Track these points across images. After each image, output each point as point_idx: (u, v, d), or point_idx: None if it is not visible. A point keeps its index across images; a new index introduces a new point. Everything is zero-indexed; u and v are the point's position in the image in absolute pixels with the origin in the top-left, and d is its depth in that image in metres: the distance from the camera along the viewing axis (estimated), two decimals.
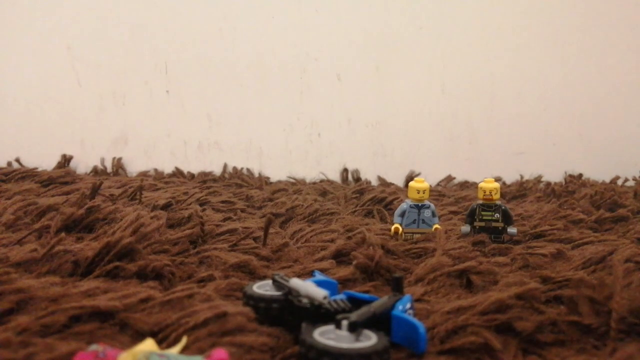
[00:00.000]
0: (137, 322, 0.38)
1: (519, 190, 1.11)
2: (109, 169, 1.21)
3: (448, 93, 1.28)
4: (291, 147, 1.26)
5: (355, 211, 0.88)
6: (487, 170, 1.26)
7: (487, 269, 0.53)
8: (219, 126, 1.25)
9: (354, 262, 0.54)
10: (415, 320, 0.37)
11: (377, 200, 0.91)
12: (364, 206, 0.89)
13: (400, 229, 0.68)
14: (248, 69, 1.24)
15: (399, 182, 1.24)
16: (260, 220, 0.77)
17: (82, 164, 1.22)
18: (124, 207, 0.72)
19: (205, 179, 1.15)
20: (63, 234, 0.53)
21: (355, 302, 0.39)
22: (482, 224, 0.68)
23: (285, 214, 0.82)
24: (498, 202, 0.68)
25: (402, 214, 0.68)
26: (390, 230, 0.69)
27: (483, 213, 0.68)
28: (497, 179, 1.22)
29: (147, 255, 0.53)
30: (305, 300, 0.38)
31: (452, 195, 1.05)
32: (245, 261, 0.54)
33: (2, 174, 1.00)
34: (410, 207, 0.68)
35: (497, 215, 0.67)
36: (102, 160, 1.22)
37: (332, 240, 0.66)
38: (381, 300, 0.39)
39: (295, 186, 1.11)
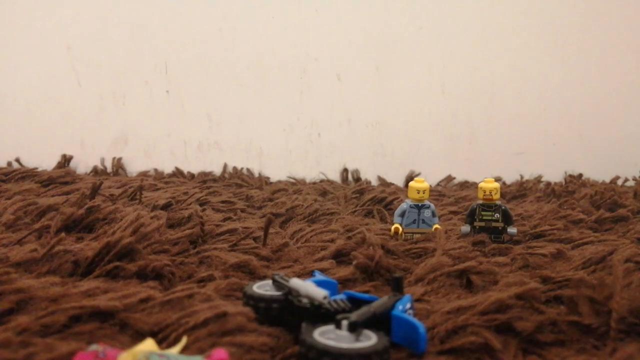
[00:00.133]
0: (137, 322, 0.38)
1: (519, 190, 1.11)
2: (109, 169, 1.21)
3: (448, 93, 1.28)
4: (291, 147, 1.26)
5: (355, 211, 0.88)
6: (487, 170, 1.26)
7: (487, 269, 0.53)
8: (219, 126, 1.25)
9: (354, 262, 0.54)
10: (415, 320, 0.37)
11: (377, 200, 0.91)
12: (364, 206, 0.89)
13: (400, 229, 0.68)
14: (248, 69, 1.24)
15: (399, 182, 1.24)
16: (260, 220, 0.77)
17: (82, 164, 1.22)
18: (124, 207, 0.72)
19: (205, 179, 1.15)
20: (63, 234, 0.53)
21: (355, 302, 0.39)
22: (482, 224, 0.68)
23: (285, 214, 0.82)
24: (498, 202, 0.68)
25: (402, 214, 0.68)
26: (390, 230, 0.69)
27: (483, 213, 0.68)
28: (497, 179, 1.22)
29: (147, 255, 0.53)
30: (305, 300, 0.38)
31: (452, 195, 1.05)
32: (245, 261, 0.54)
33: (2, 174, 1.00)
34: (410, 207, 0.68)
35: (497, 215, 0.67)
36: (102, 160, 1.22)
37: (332, 240, 0.66)
38: (381, 300, 0.39)
39: (295, 186, 1.11)
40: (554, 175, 1.27)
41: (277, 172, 1.25)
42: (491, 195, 0.67)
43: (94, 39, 1.20)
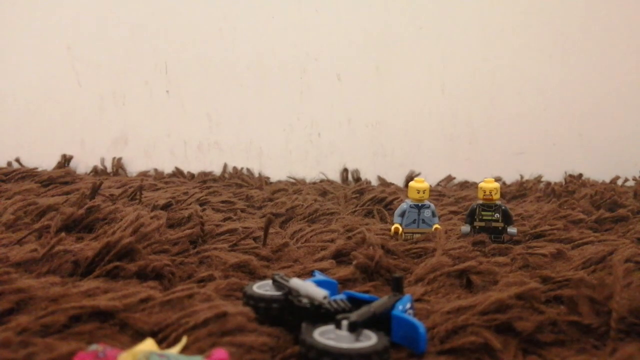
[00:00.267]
0: (137, 322, 0.38)
1: (519, 190, 1.11)
2: (109, 169, 1.21)
3: (448, 93, 1.28)
4: (291, 147, 1.26)
5: (355, 211, 0.88)
6: (487, 170, 1.26)
7: (487, 269, 0.53)
8: (219, 126, 1.25)
9: (354, 262, 0.54)
10: (415, 320, 0.37)
11: (377, 200, 0.91)
12: (364, 206, 0.89)
13: (400, 229, 0.68)
14: (248, 69, 1.24)
15: (399, 182, 1.24)
16: (260, 220, 0.77)
17: (82, 164, 1.22)
18: (124, 207, 0.72)
19: (205, 179, 1.15)
20: (63, 234, 0.53)
21: (355, 302, 0.39)
22: (482, 224, 0.68)
23: (285, 214, 0.82)
24: (498, 202, 0.68)
25: (402, 214, 0.68)
26: (390, 230, 0.69)
27: (483, 213, 0.68)
28: (497, 179, 1.22)
29: (147, 255, 0.53)
30: (305, 300, 0.38)
31: (452, 195, 1.05)
32: (245, 261, 0.54)
33: (2, 174, 1.00)
34: (410, 207, 0.68)
35: (497, 215, 0.67)
36: (102, 160, 1.22)
37: (332, 240, 0.66)
38: (381, 300, 0.39)
39: (295, 186, 1.11)
40: (554, 175, 1.27)
41: (277, 172, 1.25)
42: (491, 195, 0.67)
43: (94, 39, 1.20)
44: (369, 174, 1.26)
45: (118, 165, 1.21)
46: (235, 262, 0.54)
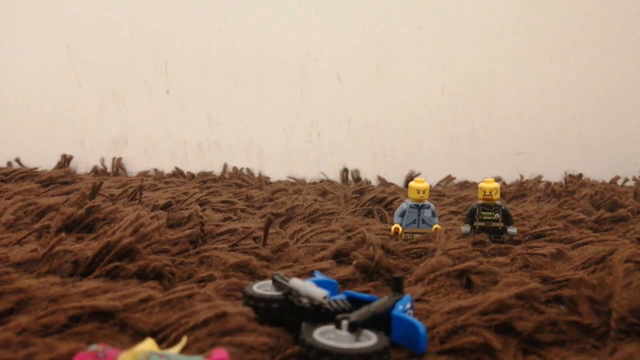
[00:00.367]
0: (137, 322, 0.38)
1: (519, 190, 1.11)
2: (109, 169, 1.21)
3: (448, 93, 1.28)
4: (291, 147, 1.26)
5: (355, 211, 0.88)
6: (487, 170, 1.26)
7: (487, 269, 0.53)
8: (219, 126, 1.25)
9: (354, 262, 0.54)
10: (415, 320, 0.37)
11: (377, 200, 0.91)
12: (364, 206, 0.89)
13: (400, 229, 0.68)
14: (248, 69, 1.24)
15: (399, 182, 1.24)
16: (260, 220, 0.77)
17: (82, 164, 1.22)
18: (124, 207, 0.72)
19: (205, 179, 1.15)
20: (63, 234, 0.53)
21: (355, 302, 0.39)
22: (482, 224, 0.68)
23: (285, 214, 0.82)
24: (498, 202, 0.68)
25: (402, 214, 0.68)
26: (390, 230, 0.69)
27: (483, 213, 0.68)
28: (497, 179, 1.22)
29: (147, 255, 0.53)
30: (305, 300, 0.38)
31: (452, 195, 1.05)
32: (245, 261, 0.54)
33: (2, 174, 1.00)
34: (410, 207, 0.68)
35: (497, 215, 0.67)
36: (102, 160, 1.22)
37: (332, 240, 0.66)
38: (381, 300, 0.39)
39: (295, 186, 1.11)
40: (554, 175, 1.27)
41: (277, 172, 1.25)
42: (491, 195, 0.67)
43: (94, 39, 1.20)
44: (369, 174, 1.26)
45: (118, 165, 1.21)
46: (235, 262, 0.54)
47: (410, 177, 1.23)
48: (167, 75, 1.23)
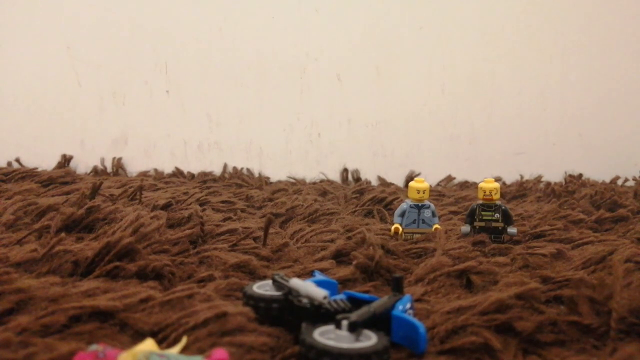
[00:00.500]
0: (137, 322, 0.38)
1: (519, 190, 1.11)
2: (109, 169, 1.21)
3: (448, 93, 1.28)
4: (291, 147, 1.26)
5: (355, 211, 0.88)
6: (487, 170, 1.26)
7: (487, 269, 0.53)
8: (219, 126, 1.25)
9: (354, 262, 0.54)
10: (415, 320, 0.37)
11: (377, 200, 0.91)
12: (364, 206, 0.89)
13: (400, 229, 0.68)
14: (248, 69, 1.24)
15: (399, 182, 1.24)
16: (260, 220, 0.77)
17: (82, 164, 1.22)
18: (124, 207, 0.72)
19: (205, 179, 1.15)
20: (63, 234, 0.53)
21: (355, 302, 0.39)
22: (482, 224, 0.68)
23: (285, 214, 0.82)
24: (498, 202, 0.68)
25: (402, 214, 0.68)
26: (390, 230, 0.69)
27: (483, 213, 0.68)
28: (497, 179, 1.22)
29: (147, 255, 0.53)
30: (305, 300, 0.38)
31: (452, 195, 1.05)
32: (245, 261, 0.54)
33: (2, 174, 1.00)
34: (410, 207, 0.68)
35: (497, 215, 0.67)
36: (102, 160, 1.22)
37: (332, 240, 0.66)
38: (381, 300, 0.39)
39: (295, 186, 1.11)
40: (554, 175, 1.27)
41: (277, 172, 1.25)
42: (491, 195, 0.67)
43: (94, 39, 1.20)
44: (369, 174, 1.26)
45: (118, 165, 1.21)
46: (235, 262, 0.54)
47: (410, 177, 1.23)
48: (167, 75, 1.23)
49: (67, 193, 0.87)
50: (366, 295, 0.41)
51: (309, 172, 1.25)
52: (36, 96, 1.21)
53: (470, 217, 0.68)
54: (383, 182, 1.23)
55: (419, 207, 0.68)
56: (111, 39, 1.21)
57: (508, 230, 0.67)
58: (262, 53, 1.23)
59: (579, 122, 1.30)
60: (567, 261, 0.60)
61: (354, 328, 0.34)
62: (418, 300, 0.47)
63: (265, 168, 1.25)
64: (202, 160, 1.25)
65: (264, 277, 0.52)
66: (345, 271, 0.53)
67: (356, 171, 1.26)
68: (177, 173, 1.21)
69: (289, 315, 0.39)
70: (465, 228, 0.68)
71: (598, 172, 1.28)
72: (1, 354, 0.32)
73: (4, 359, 0.32)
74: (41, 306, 0.39)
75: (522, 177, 1.27)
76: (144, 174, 1.20)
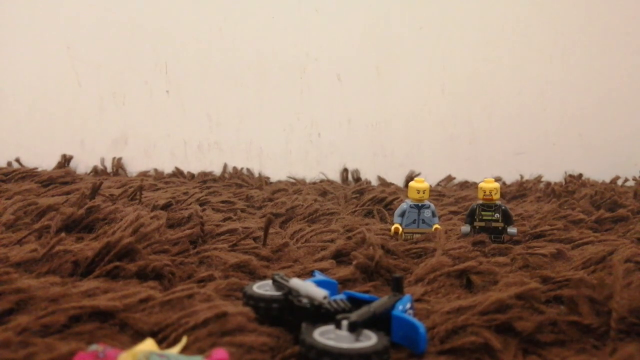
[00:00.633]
0: (137, 322, 0.38)
1: (519, 190, 1.11)
2: (109, 169, 1.21)
3: (448, 93, 1.28)
4: (291, 147, 1.26)
5: (355, 211, 0.88)
6: (487, 170, 1.26)
7: (487, 269, 0.53)
8: (219, 126, 1.25)
9: (354, 262, 0.54)
10: (415, 320, 0.37)
11: (377, 200, 0.91)
12: (364, 206, 0.89)
13: (400, 229, 0.68)
14: (248, 69, 1.24)
15: (399, 182, 1.24)
16: (260, 220, 0.77)
17: (82, 164, 1.22)
18: (124, 207, 0.72)
19: (205, 179, 1.15)
20: (63, 234, 0.53)
21: (355, 302, 0.39)
22: (482, 224, 0.68)
23: (285, 214, 0.82)
24: (498, 202, 0.68)
25: (402, 214, 0.68)
26: (390, 230, 0.69)
27: (483, 213, 0.68)
28: (497, 179, 1.22)
29: (147, 255, 0.53)
30: (305, 300, 0.38)
31: (452, 195, 1.05)
32: (245, 261, 0.54)
33: (2, 174, 1.00)
34: (410, 207, 0.68)
35: (497, 215, 0.67)
36: (102, 160, 1.22)
37: (332, 240, 0.66)
38: (381, 300, 0.39)
39: (295, 186, 1.11)
40: (554, 175, 1.27)
41: (277, 172, 1.25)
42: (491, 195, 0.67)
43: (94, 39, 1.21)
44: (369, 174, 1.26)
45: (118, 165, 1.21)
46: (235, 262, 0.54)
47: (410, 177, 1.23)
48: (167, 75, 1.23)
49: (67, 193, 0.87)
50: (366, 295, 0.41)
51: (309, 172, 1.25)
52: (36, 96, 1.21)
53: (470, 217, 0.68)
54: (383, 182, 1.23)
55: (419, 207, 0.68)
56: (111, 39, 1.21)
57: (508, 230, 0.67)
58: (262, 53, 1.24)
59: (579, 122, 1.30)
60: (567, 261, 0.60)
61: (354, 328, 0.34)
62: (418, 300, 0.47)
63: (265, 168, 1.25)
64: (202, 160, 1.25)
65: (264, 277, 0.52)
66: (345, 271, 0.53)
67: (356, 171, 1.26)
68: (177, 173, 1.21)
69: (289, 315, 0.39)
70: (465, 228, 0.68)
71: (598, 172, 1.28)
72: (1, 354, 0.32)
73: (4, 359, 0.32)
74: (41, 306, 0.39)
75: (522, 177, 1.27)
76: (144, 174, 1.20)
